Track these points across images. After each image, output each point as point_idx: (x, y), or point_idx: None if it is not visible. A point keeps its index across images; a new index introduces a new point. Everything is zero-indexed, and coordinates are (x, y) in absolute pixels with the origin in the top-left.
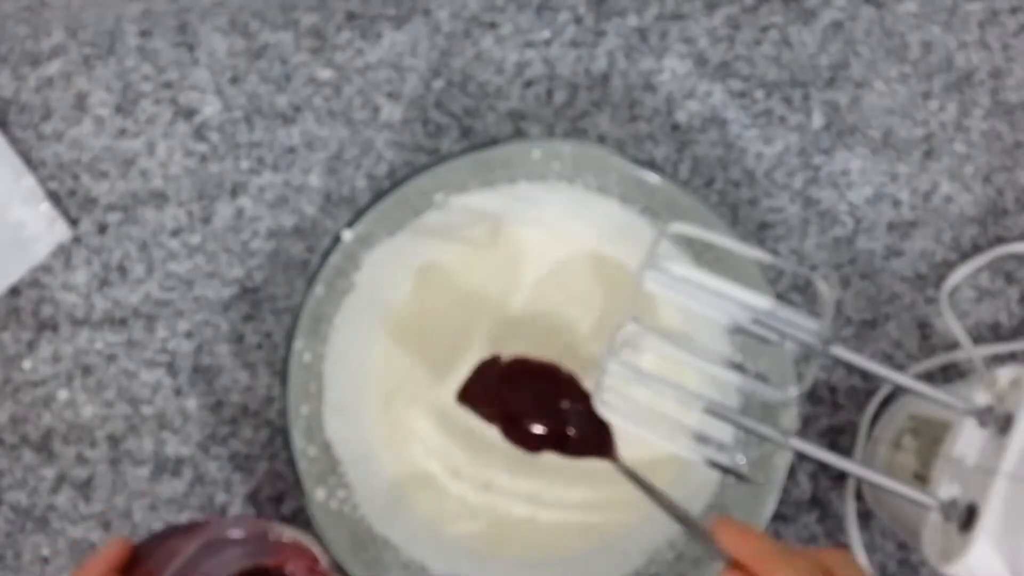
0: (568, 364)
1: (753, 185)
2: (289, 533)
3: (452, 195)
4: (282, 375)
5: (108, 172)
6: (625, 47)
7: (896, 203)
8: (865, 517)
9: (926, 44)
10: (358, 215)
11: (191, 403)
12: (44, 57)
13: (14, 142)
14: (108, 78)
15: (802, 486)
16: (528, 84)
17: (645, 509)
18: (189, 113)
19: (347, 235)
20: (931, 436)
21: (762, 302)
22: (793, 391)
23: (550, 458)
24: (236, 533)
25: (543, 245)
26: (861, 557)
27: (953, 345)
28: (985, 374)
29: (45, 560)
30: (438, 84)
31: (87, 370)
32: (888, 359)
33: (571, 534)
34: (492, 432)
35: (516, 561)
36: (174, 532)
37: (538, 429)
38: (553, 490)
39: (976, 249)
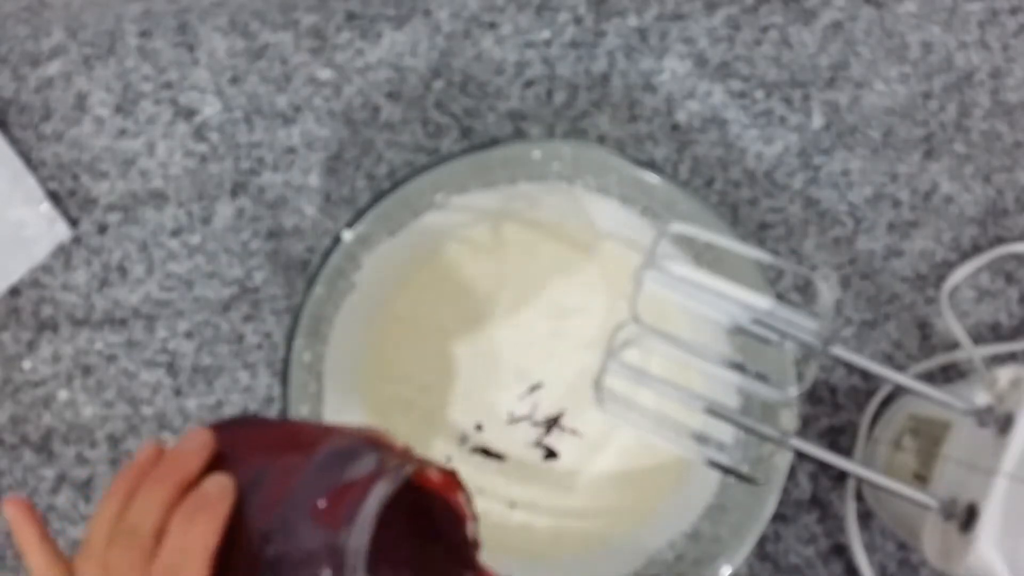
0: (568, 365)
1: (753, 185)
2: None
3: (452, 195)
4: (282, 375)
5: (108, 172)
6: (625, 47)
7: (896, 203)
8: (865, 517)
9: (926, 44)
10: (358, 215)
11: (191, 403)
12: (44, 57)
13: (14, 142)
14: (108, 78)
15: (802, 486)
16: (528, 84)
17: (646, 515)
18: (189, 113)
19: (347, 235)
20: (931, 436)
21: (762, 302)
22: (793, 391)
23: (547, 467)
24: (351, 446)
25: (543, 245)
26: (861, 557)
27: (953, 345)
28: (985, 374)
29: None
30: (438, 84)
31: (87, 370)
32: (888, 359)
33: (570, 540)
34: (488, 436)
35: (516, 562)
36: (251, 437)
37: None
38: (551, 498)
39: (976, 249)
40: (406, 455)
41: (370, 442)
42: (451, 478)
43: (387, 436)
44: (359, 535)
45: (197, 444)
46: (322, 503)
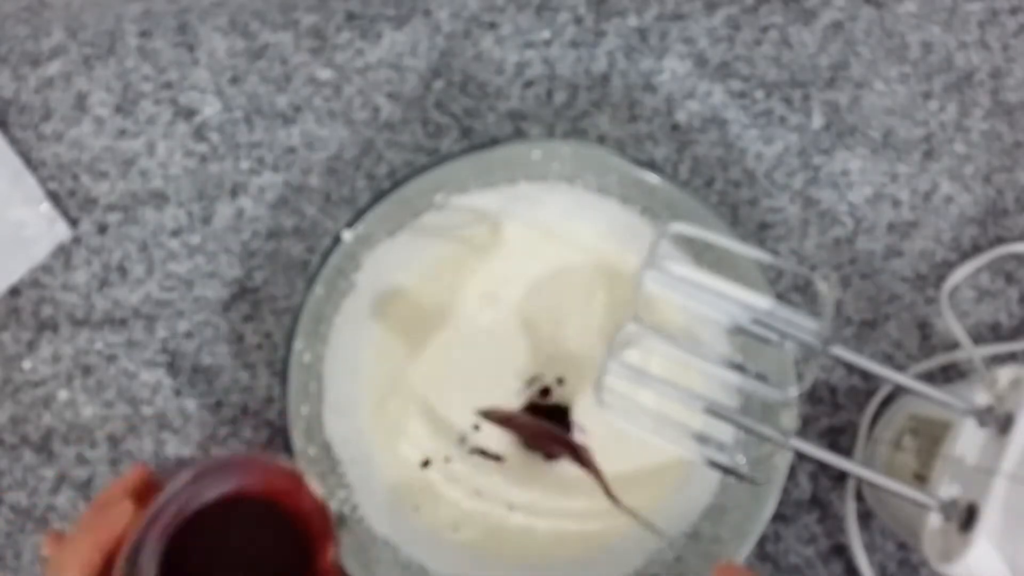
0: (568, 365)
1: (753, 185)
2: (280, 459)
3: (452, 195)
4: (282, 375)
5: (108, 172)
6: (625, 47)
7: (896, 203)
8: (865, 517)
9: (926, 44)
10: (358, 215)
11: (191, 403)
12: (44, 57)
13: (14, 142)
14: (108, 78)
15: (802, 486)
16: (528, 84)
17: (646, 515)
18: (189, 113)
19: (347, 235)
20: (931, 436)
21: (762, 302)
22: (793, 391)
23: (547, 467)
24: (223, 461)
25: (543, 245)
26: (861, 557)
27: (953, 345)
28: (985, 374)
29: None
30: (438, 84)
31: (87, 370)
32: (888, 359)
33: (570, 542)
34: (485, 438)
35: (516, 564)
36: (182, 465)
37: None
38: (550, 500)
39: (976, 249)
40: (268, 475)
41: (230, 462)
42: (296, 482)
43: (273, 457)
44: (142, 531)
45: (128, 477)
46: (151, 513)
